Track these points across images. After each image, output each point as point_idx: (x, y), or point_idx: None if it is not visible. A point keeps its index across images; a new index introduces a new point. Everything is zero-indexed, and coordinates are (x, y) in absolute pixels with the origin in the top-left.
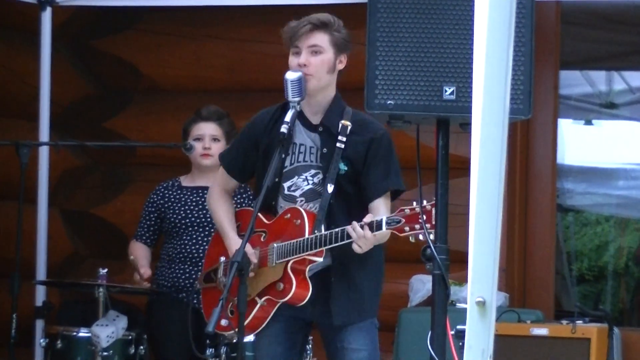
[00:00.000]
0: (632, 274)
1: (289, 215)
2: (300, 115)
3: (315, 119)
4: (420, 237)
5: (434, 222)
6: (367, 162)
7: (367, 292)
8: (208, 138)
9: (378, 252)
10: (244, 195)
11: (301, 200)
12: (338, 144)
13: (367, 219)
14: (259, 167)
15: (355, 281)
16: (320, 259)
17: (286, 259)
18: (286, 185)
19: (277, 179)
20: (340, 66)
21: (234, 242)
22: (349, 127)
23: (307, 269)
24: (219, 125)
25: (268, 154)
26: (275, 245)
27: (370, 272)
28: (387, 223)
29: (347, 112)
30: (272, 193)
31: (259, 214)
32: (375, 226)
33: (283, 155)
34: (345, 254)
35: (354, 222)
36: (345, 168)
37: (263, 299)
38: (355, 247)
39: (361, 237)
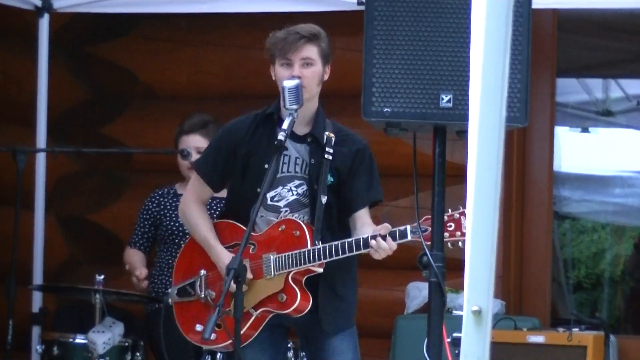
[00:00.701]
0: (628, 281)
1: (283, 226)
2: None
3: (300, 130)
4: (452, 244)
5: (464, 231)
6: (351, 173)
7: (350, 300)
8: (194, 152)
9: (355, 262)
10: (220, 205)
11: (285, 211)
12: (326, 155)
13: (384, 229)
14: (235, 175)
15: (339, 291)
16: (321, 270)
17: (287, 270)
18: (269, 195)
19: (258, 189)
20: (326, 77)
21: (222, 254)
22: (334, 139)
23: (303, 280)
24: (204, 135)
25: (247, 162)
26: (272, 256)
27: (350, 281)
28: (412, 232)
29: (328, 124)
30: (250, 203)
31: (239, 225)
32: (398, 235)
33: (265, 166)
34: (333, 269)
35: (377, 234)
36: (332, 179)
37: (259, 310)
38: (375, 255)
39: (386, 249)
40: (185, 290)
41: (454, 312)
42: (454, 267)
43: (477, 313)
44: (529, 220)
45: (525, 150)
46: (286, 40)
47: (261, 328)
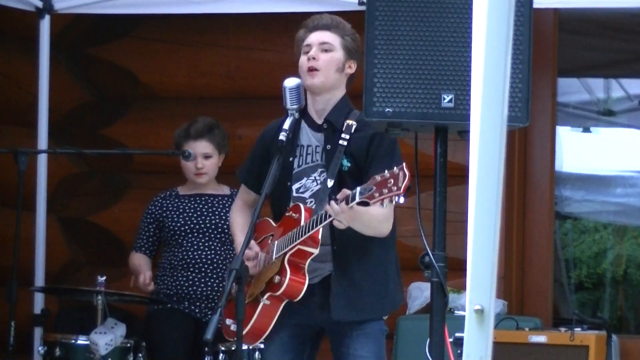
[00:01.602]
0: (630, 281)
1: (291, 212)
2: (306, 117)
3: (320, 119)
4: (387, 201)
5: (400, 185)
6: (369, 157)
7: (367, 291)
8: (200, 157)
9: (382, 252)
10: (209, 200)
11: (311, 201)
12: (341, 141)
13: (341, 194)
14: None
15: (355, 280)
16: (316, 251)
17: (283, 252)
18: (295, 187)
19: (288, 183)
20: (349, 71)
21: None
22: (354, 126)
23: (307, 263)
24: (210, 140)
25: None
26: (276, 241)
27: (372, 272)
28: (360, 193)
29: (354, 113)
30: (282, 198)
31: (270, 221)
32: (350, 198)
33: (290, 159)
34: (346, 254)
35: (331, 200)
36: (349, 164)
37: (265, 296)
38: (336, 223)
39: (338, 212)
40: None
41: (456, 312)
42: (455, 267)
43: (480, 312)
44: (531, 220)
45: (526, 150)
46: (306, 28)
47: (276, 322)
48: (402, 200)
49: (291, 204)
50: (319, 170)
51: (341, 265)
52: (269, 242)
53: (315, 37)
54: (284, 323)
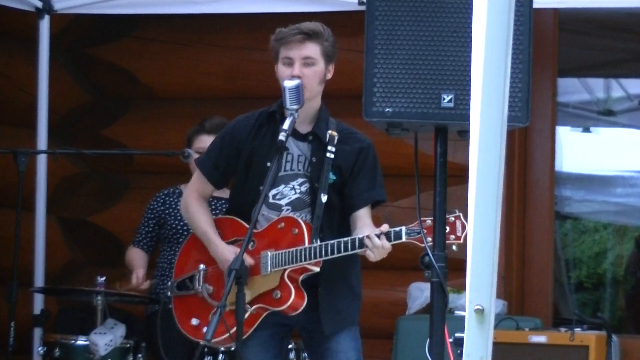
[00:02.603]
0: (630, 281)
1: (283, 224)
2: None
3: (303, 128)
4: (447, 247)
5: (458, 234)
6: (354, 172)
7: (351, 302)
8: None
9: (357, 262)
10: (219, 204)
11: (287, 209)
12: (328, 154)
13: (384, 228)
14: (239, 173)
15: (340, 292)
16: (317, 269)
17: (283, 268)
18: (271, 193)
19: (260, 187)
20: (329, 75)
21: (221, 249)
22: (336, 137)
23: (300, 278)
24: None
25: (250, 160)
26: (269, 253)
27: (352, 282)
28: (407, 234)
29: (332, 122)
30: (250, 200)
31: (240, 222)
32: (393, 236)
33: (268, 164)
34: (333, 264)
35: (371, 233)
36: (334, 177)
37: (254, 307)
38: (369, 255)
39: (379, 247)
40: (185, 284)
41: (456, 312)
42: (455, 267)
43: (480, 312)
44: (531, 221)
45: (526, 150)
46: (288, 37)
47: (257, 325)
48: (455, 248)
49: (265, 211)
50: (300, 179)
51: (329, 280)
52: (249, 247)
53: (297, 52)
54: (261, 323)
